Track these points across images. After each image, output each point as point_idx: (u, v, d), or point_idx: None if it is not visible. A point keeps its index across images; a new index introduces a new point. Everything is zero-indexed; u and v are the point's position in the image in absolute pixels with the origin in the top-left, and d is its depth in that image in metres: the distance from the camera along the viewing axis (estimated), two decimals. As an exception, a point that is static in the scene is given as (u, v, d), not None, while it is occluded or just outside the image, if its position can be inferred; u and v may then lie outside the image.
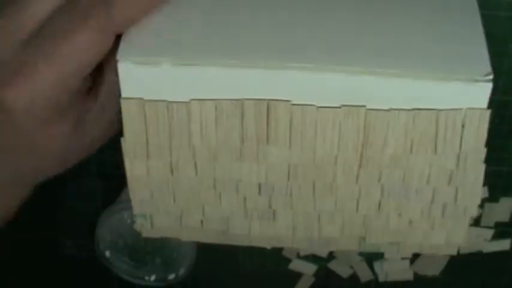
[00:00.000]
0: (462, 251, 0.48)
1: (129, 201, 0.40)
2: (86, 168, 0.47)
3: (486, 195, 0.45)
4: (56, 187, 0.42)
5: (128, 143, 0.32)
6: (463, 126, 0.30)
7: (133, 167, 0.33)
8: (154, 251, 0.45)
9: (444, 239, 0.36)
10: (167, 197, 0.34)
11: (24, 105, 0.31)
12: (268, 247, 0.37)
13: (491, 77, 0.29)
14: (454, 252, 0.36)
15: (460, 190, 0.33)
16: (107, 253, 0.45)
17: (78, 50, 0.30)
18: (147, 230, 0.36)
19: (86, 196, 0.48)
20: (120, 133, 0.32)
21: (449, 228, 0.35)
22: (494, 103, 0.30)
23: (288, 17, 0.32)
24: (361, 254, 0.48)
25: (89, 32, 0.30)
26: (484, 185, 0.44)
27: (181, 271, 0.45)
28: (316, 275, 0.50)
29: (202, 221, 0.35)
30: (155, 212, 0.35)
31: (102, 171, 0.48)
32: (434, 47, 0.31)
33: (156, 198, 0.34)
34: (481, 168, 0.32)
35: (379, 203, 0.34)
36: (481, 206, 0.45)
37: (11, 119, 0.31)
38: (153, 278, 0.46)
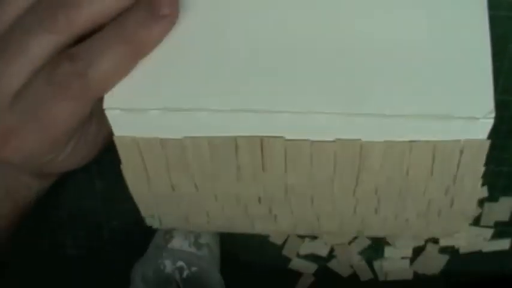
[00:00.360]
0: (462, 251, 0.48)
1: (160, 248, 0.41)
2: (86, 168, 0.47)
3: (486, 194, 0.45)
4: (56, 187, 0.41)
5: (127, 170, 0.32)
6: (461, 152, 0.30)
7: (135, 186, 0.33)
8: None
9: (441, 231, 0.36)
10: (171, 206, 0.34)
11: (21, 158, 0.32)
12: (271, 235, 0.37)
13: (493, 115, 0.28)
14: (451, 236, 0.36)
15: (456, 199, 0.32)
16: None
17: (59, 118, 0.30)
18: (156, 225, 0.36)
19: (86, 196, 0.48)
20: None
21: (446, 225, 0.35)
22: (494, 103, 0.29)
23: (276, 54, 0.30)
24: (361, 253, 0.48)
25: (68, 103, 0.30)
26: (483, 184, 0.44)
27: None
28: (316, 274, 0.50)
29: (207, 221, 0.35)
30: (162, 215, 0.35)
31: (102, 171, 0.48)
32: (434, 80, 0.29)
33: (161, 206, 0.34)
34: (478, 182, 0.31)
35: (376, 209, 0.33)
36: (481, 205, 0.45)
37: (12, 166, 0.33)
38: None
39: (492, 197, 0.45)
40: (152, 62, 0.30)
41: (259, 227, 0.36)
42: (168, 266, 0.42)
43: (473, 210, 0.34)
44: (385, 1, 0.31)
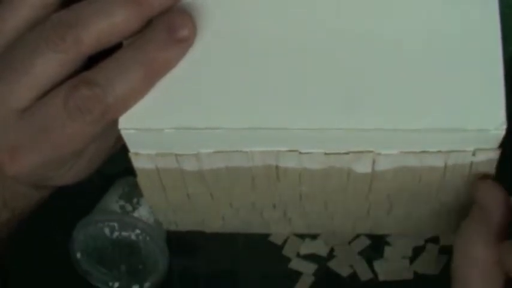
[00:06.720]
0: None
1: (106, 212, 0.42)
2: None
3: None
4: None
5: (142, 182, 0.32)
6: (472, 160, 0.30)
7: (152, 197, 0.33)
8: (121, 258, 0.45)
9: (449, 227, 0.36)
10: (187, 212, 0.34)
11: (26, 175, 0.32)
12: (287, 234, 0.37)
13: (504, 126, 0.28)
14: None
15: (467, 201, 0.33)
16: (78, 255, 0.46)
17: (72, 139, 0.30)
18: (173, 228, 0.36)
19: (86, 196, 0.48)
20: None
21: (454, 221, 0.35)
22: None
23: (288, 69, 0.30)
24: (361, 253, 0.48)
25: (83, 125, 0.30)
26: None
27: (147, 285, 0.46)
28: (316, 274, 0.50)
29: (223, 224, 0.36)
30: (178, 220, 0.36)
31: (102, 171, 0.48)
32: (446, 92, 0.29)
33: (178, 213, 0.35)
34: None
35: (388, 211, 0.34)
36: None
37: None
38: (116, 285, 0.47)
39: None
40: (166, 82, 0.30)
41: (274, 228, 0.36)
42: (101, 223, 0.43)
43: None
44: (396, 17, 0.31)
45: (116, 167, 0.47)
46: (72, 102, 0.29)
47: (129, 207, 0.44)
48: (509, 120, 0.29)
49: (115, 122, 0.30)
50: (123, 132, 0.30)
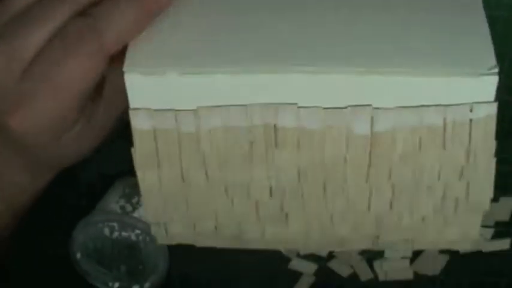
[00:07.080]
0: (462, 251, 0.48)
1: (106, 212, 0.42)
2: (85, 167, 0.47)
3: (486, 194, 0.45)
4: (55, 187, 0.42)
5: (138, 154, 0.32)
6: (470, 120, 0.30)
7: (145, 176, 0.33)
8: (120, 258, 0.45)
9: (457, 234, 0.36)
10: (180, 204, 0.34)
11: (31, 129, 0.32)
12: (283, 250, 0.37)
13: (496, 70, 0.30)
14: (468, 247, 0.36)
15: (472, 185, 0.33)
16: (78, 255, 0.46)
17: (74, 76, 0.31)
18: (162, 237, 0.36)
19: (86, 196, 0.48)
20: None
21: (462, 223, 0.35)
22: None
23: (290, 20, 0.32)
24: (361, 253, 0.48)
25: (82, 59, 0.31)
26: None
27: (147, 285, 0.46)
28: (316, 274, 0.50)
29: (215, 227, 0.35)
30: (169, 220, 0.35)
31: (102, 171, 0.48)
32: (438, 43, 0.31)
33: (169, 206, 0.34)
34: (492, 161, 0.32)
35: (391, 202, 0.34)
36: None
37: (20, 139, 0.32)
38: (116, 285, 0.47)
39: (492, 197, 0.45)
40: (171, 27, 0.32)
41: (270, 232, 0.36)
42: (101, 223, 0.44)
43: (489, 198, 0.34)
44: None
45: (116, 167, 0.47)
46: (67, 33, 0.31)
47: (129, 208, 0.44)
48: (502, 120, 0.30)
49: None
50: (127, 77, 0.30)
